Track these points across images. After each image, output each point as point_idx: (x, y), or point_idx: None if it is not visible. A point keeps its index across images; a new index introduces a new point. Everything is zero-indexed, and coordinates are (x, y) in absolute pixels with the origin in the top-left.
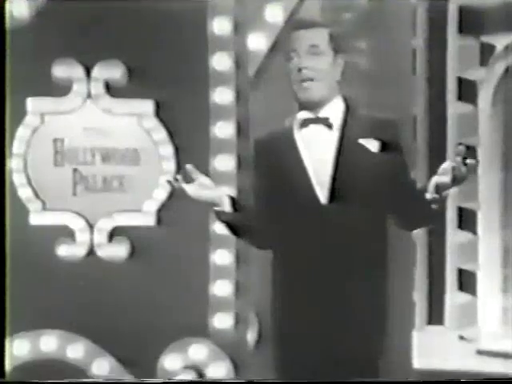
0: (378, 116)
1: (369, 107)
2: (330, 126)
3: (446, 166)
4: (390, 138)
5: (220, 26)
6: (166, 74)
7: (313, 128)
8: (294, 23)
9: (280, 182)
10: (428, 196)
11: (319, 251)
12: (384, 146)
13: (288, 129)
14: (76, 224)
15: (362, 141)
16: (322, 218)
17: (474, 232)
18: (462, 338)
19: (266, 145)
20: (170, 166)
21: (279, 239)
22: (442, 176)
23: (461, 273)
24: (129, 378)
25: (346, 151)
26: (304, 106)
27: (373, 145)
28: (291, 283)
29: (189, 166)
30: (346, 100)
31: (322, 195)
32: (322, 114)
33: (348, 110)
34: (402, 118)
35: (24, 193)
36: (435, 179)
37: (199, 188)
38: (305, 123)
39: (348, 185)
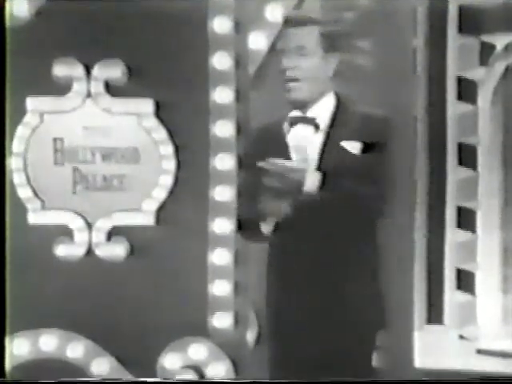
0: (370, 113)
1: (366, 106)
2: (316, 127)
3: None
4: (380, 136)
5: (220, 24)
6: (166, 73)
7: (301, 127)
8: (287, 20)
9: None
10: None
11: (315, 249)
12: (369, 147)
13: (279, 123)
14: (75, 223)
15: (344, 143)
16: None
17: (474, 231)
18: (461, 337)
19: (260, 135)
20: (170, 164)
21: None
22: None
23: (459, 272)
24: (128, 377)
25: (329, 154)
26: (294, 105)
27: (355, 147)
28: (287, 281)
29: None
30: (338, 96)
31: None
32: (311, 113)
33: (339, 107)
34: (394, 115)
35: (23, 192)
36: None
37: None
38: (293, 122)
39: (332, 187)
